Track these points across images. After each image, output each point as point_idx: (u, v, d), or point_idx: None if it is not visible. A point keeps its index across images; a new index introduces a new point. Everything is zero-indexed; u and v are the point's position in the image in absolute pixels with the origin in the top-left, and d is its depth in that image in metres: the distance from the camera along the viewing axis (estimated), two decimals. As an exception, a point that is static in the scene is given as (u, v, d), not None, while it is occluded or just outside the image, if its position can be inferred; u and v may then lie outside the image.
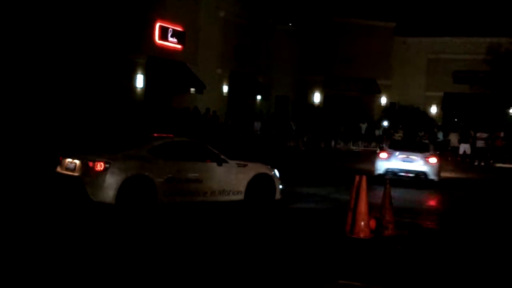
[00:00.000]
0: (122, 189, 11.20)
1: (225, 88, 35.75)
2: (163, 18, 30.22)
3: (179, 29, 31.33)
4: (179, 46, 31.46)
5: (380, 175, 19.14)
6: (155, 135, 13.80)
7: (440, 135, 34.88)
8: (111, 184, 11.19)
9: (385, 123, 37.78)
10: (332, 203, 14.74)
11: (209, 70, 33.96)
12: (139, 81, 28.98)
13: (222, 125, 32.18)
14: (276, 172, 13.80)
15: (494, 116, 37.71)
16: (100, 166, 11.28)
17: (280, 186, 13.70)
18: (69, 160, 11.86)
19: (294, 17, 40.66)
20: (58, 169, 12.10)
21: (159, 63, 30.01)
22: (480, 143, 32.32)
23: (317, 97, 42.19)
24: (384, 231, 10.60)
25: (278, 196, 13.58)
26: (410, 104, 38.31)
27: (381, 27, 42.16)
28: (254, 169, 13.41)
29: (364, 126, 37.64)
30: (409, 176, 19.32)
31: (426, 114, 39.58)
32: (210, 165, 12.70)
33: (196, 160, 12.63)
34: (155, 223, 11.06)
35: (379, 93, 42.97)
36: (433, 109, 42.49)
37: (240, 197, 13.08)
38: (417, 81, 42.66)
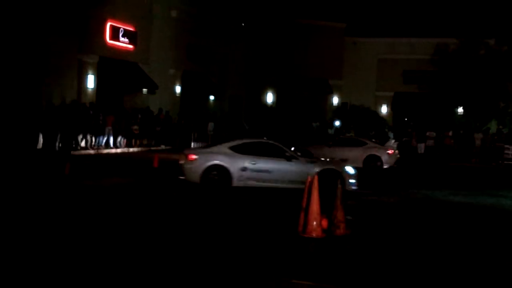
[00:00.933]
0: (204, 173, 15.65)
1: (178, 88, 35.59)
2: (114, 18, 29.94)
3: (131, 29, 31.09)
4: (130, 46, 31.23)
5: None
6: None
7: (391, 135, 35.43)
8: (196, 169, 15.70)
9: (337, 123, 38.22)
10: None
11: (162, 70, 33.78)
12: (90, 81, 28.64)
13: (175, 125, 32.04)
14: (347, 168, 16.42)
15: (442, 115, 38.51)
16: (191, 157, 15.96)
17: (352, 181, 16.16)
18: (183, 153, 16.73)
19: (246, 18, 40.75)
20: (180, 160, 16.72)
21: (110, 64, 29.73)
22: (429, 142, 33.06)
23: (270, 97, 42.43)
24: (336, 230, 10.73)
25: (348, 188, 15.85)
26: (361, 104, 38.85)
27: (332, 27, 42.68)
28: (321, 164, 16.43)
29: (316, 126, 37.98)
30: None
31: (377, 114, 40.20)
32: (280, 160, 16.08)
33: (268, 156, 16.10)
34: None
35: (330, 93, 43.49)
36: (384, 109, 43.23)
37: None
38: (367, 81, 43.36)
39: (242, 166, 15.80)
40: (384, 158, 24.59)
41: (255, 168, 15.85)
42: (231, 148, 16.16)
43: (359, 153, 24.39)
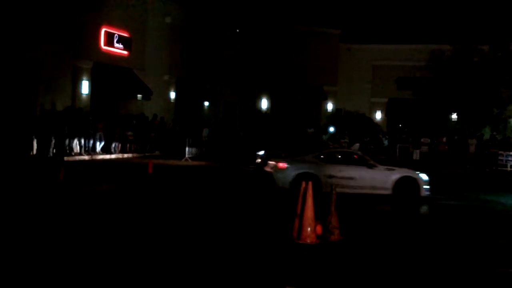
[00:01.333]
0: (294, 180, 16.61)
1: (173, 94, 35.58)
2: (109, 23, 29.95)
3: (125, 35, 31.10)
4: (125, 52, 31.22)
5: None
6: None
7: (386, 141, 35.51)
8: (288, 177, 16.99)
9: (332, 129, 38.25)
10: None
11: (156, 76, 33.77)
12: (85, 87, 28.60)
13: (169, 131, 32.01)
14: (422, 176, 17.51)
15: (437, 122, 38.60)
16: (282, 165, 17.26)
17: (426, 187, 17.37)
18: (270, 162, 18.06)
19: (241, 24, 40.79)
20: (265, 167, 18.23)
21: (105, 69, 29.70)
22: (424, 148, 33.14)
23: (264, 103, 42.45)
24: (330, 236, 10.73)
25: (423, 193, 17.31)
26: (355, 110, 38.89)
27: (327, 34, 42.75)
28: (399, 172, 17.54)
29: (310, 132, 37.98)
30: None
31: (371, 120, 40.24)
32: (362, 168, 17.36)
33: (352, 164, 17.49)
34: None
35: (325, 99, 43.52)
36: (378, 115, 43.28)
37: (388, 192, 17.25)
38: (362, 87, 43.42)
39: (329, 174, 17.10)
40: None
41: (341, 176, 17.12)
42: (317, 157, 17.63)
43: None
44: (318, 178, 16.84)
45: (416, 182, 17.34)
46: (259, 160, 26.18)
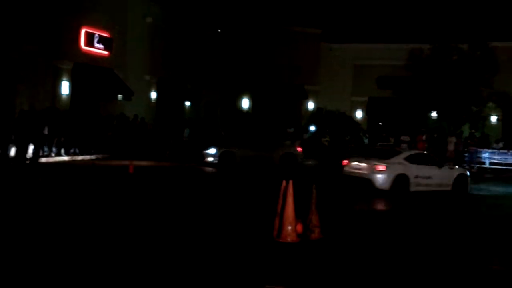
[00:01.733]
0: (394, 182, 18.46)
1: (154, 95, 35.48)
2: (89, 24, 29.80)
3: (106, 35, 30.97)
4: (106, 53, 31.09)
5: None
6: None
7: (366, 140, 35.68)
8: (387, 178, 18.51)
9: (312, 128, 38.33)
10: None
11: (137, 76, 33.63)
12: (65, 88, 28.44)
13: (150, 131, 31.88)
14: (468, 173, 20.65)
15: (416, 120, 38.84)
16: (382, 168, 18.61)
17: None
18: (355, 163, 19.50)
19: (222, 24, 40.77)
20: (346, 168, 19.76)
21: (85, 70, 29.53)
22: (403, 146, 33.30)
23: (245, 103, 42.50)
24: (311, 234, 10.80)
25: (469, 189, 20.10)
26: (336, 109, 39.02)
27: (308, 33, 42.87)
28: (457, 170, 20.35)
29: (291, 131, 38.04)
30: None
31: (352, 118, 40.39)
32: (435, 168, 19.48)
33: (428, 164, 19.49)
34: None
35: (306, 98, 43.65)
36: (359, 114, 43.48)
37: (449, 188, 19.66)
38: (343, 87, 43.57)
39: (416, 174, 18.91)
40: (297, 155, 27.63)
41: (423, 175, 19.06)
42: (406, 159, 19.26)
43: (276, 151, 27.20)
44: (408, 178, 18.68)
45: (467, 178, 20.08)
46: (211, 159, 25.77)
